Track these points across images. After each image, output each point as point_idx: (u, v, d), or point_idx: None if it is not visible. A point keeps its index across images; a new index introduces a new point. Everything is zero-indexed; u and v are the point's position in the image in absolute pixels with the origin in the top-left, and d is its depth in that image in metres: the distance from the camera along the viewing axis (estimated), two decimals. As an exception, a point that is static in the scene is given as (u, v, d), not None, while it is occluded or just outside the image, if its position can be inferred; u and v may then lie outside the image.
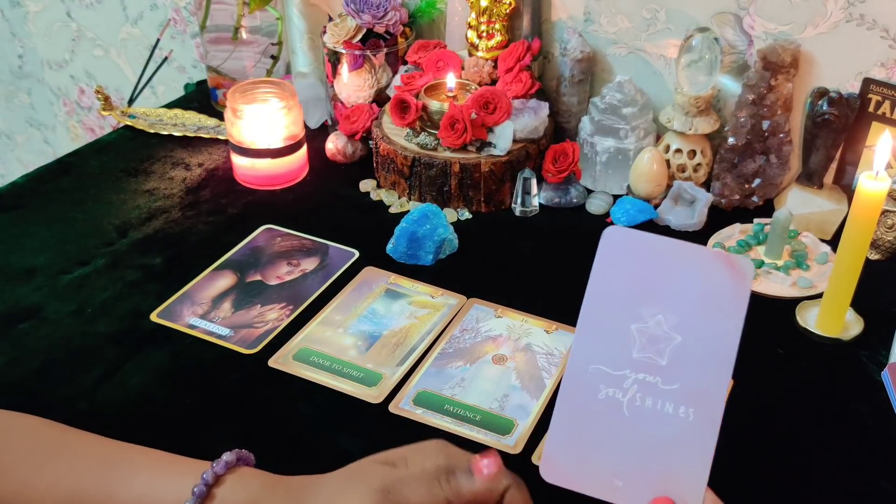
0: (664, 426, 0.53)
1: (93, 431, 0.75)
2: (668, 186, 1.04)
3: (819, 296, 0.89)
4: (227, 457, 0.60)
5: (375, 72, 1.13)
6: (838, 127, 0.98)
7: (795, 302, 0.90)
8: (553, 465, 0.53)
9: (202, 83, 1.36)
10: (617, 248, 0.55)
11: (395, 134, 1.07)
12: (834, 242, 0.95)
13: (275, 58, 1.26)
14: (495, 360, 0.83)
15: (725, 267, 0.54)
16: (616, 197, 1.06)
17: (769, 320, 0.89)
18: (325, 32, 1.14)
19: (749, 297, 0.53)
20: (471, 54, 1.13)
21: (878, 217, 0.82)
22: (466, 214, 1.04)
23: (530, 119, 1.04)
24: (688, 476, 0.52)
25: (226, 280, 0.94)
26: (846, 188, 1.04)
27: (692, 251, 0.54)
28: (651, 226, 1.02)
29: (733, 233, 1.00)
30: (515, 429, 0.76)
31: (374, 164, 1.10)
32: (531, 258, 0.98)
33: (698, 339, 0.53)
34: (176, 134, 1.21)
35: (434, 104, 1.04)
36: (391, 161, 1.06)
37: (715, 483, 0.57)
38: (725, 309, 0.53)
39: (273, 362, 0.83)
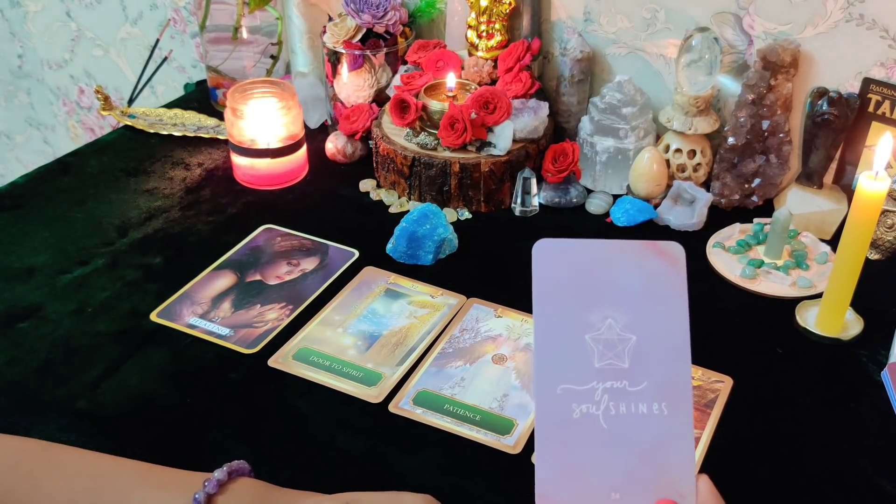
0: (643, 428, 0.53)
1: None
2: (668, 186, 1.04)
3: (819, 295, 0.89)
4: (218, 475, 0.60)
5: (375, 72, 1.13)
6: (838, 127, 0.98)
7: (795, 302, 0.90)
8: (548, 498, 0.53)
9: (202, 83, 1.36)
10: (550, 261, 0.54)
11: (395, 134, 1.07)
12: (834, 242, 0.96)
13: (274, 58, 1.26)
14: (495, 359, 0.83)
15: (657, 256, 0.54)
16: (616, 197, 1.07)
17: (769, 320, 0.89)
18: (324, 32, 1.14)
19: (686, 280, 0.54)
20: (471, 54, 1.13)
21: (878, 217, 0.82)
22: (466, 214, 1.04)
23: (530, 119, 1.04)
24: (677, 469, 0.53)
25: (225, 280, 0.94)
26: (846, 188, 1.04)
27: (622, 248, 0.54)
28: (651, 226, 1.02)
29: (733, 233, 1.00)
30: (515, 429, 0.76)
31: (374, 164, 1.10)
32: (531, 258, 0.98)
33: (651, 333, 0.54)
34: (176, 134, 1.21)
35: (434, 104, 1.04)
36: (391, 161, 1.06)
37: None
38: (668, 296, 0.54)
39: (273, 362, 0.83)
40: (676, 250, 0.54)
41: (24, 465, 0.62)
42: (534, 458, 0.73)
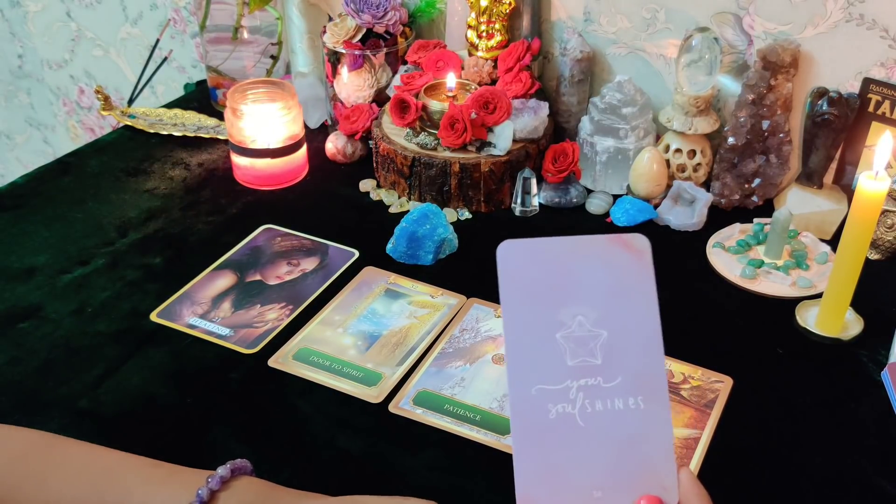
0: (620, 423, 0.53)
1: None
2: (668, 186, 1.04)
3: (819, 295, 0.89)
4: (221, 471, 0.60)
5: (375, 72, 1.13)
6: (838, 127, 0.98)
7: (795, 302, 0.90)
8: (529, 499, 0.52)
9: (202, 83, 1.36)
10: (516, 262, 0.54)
11: (395, 134, 1.07)
12: (834, 242, 0.96)
13: (275, 58, 1.26)
14: (495, 359, 0.83)
15: (623, 249, 0.54)
16: (616, 197, 1.07)
17: (769, 320, 0.89)
18: (324, 32, 1.14)
19: (653, 271, 0.53)
20: (471, 54, 1.13)
21: (878, 217, 0.82)
22: (466, 214, 1.04)
23: (530, 119, 1.04)
24: (658, 463, 0.53)
25: (225, 280, 0.94)
26: (846, 188, 1.04)
27: (588, 244, 0.54)
28: (651, 225, 1.02)
29: (733, 233, 1.00)
30: (515, 428, 0.76)
31: (374, 164, 1.10)
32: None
33: (622, 327, 0.53)
34: (176, 134, 1.21)
35: (434, 104, 1.04)
36: (391, 161, 1.06)
37: (714, 482, 0.57)
38: (636, 290, 0.54)
39: (273, 362, 0.83)
40: (642, 243, 0.54)
41: (30, 459, 0.62)
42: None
